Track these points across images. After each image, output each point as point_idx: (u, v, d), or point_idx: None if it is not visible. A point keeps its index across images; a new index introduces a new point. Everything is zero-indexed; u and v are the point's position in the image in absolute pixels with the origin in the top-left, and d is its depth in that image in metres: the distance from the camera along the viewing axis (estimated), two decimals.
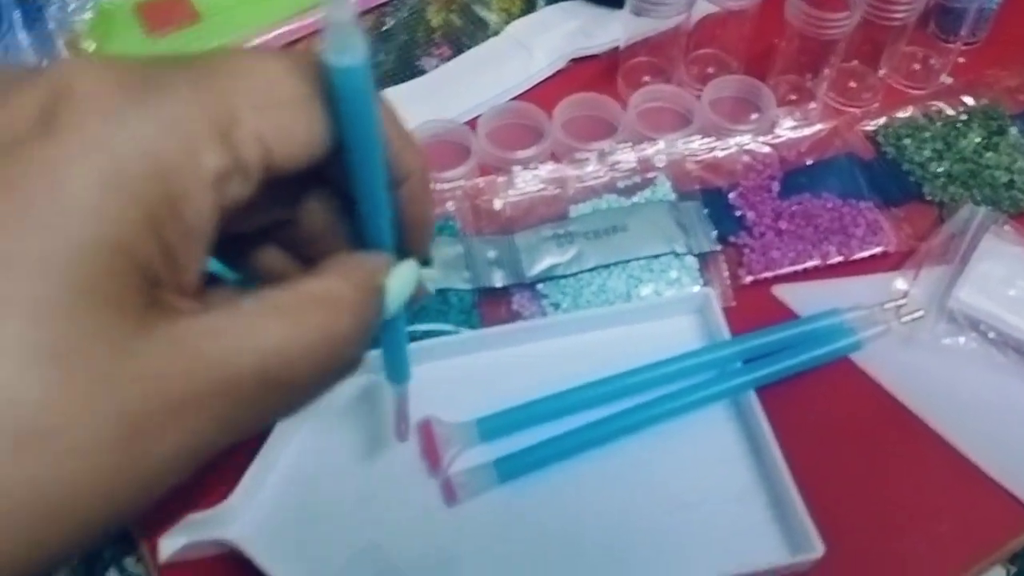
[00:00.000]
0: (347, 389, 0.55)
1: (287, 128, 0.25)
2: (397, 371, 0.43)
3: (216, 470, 0.53)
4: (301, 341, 0.26)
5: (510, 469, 0.53)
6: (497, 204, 0.65)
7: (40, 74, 0.23)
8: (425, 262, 0.34)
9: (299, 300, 0.26)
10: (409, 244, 0.33)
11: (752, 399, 0.54)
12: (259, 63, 0.25)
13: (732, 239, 0.63)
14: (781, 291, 0.61)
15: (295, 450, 0.54)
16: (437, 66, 0.76)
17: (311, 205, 0.32)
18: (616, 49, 0.74)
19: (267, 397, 0.25)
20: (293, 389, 0.26)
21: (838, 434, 0.56)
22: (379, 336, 0.36)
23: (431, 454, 0.54)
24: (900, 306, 0.58)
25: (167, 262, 0.24)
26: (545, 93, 0.72)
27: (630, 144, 0.67)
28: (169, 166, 0.23)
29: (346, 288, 0.28)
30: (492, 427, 0.55)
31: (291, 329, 0.25)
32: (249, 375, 0.24)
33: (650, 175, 0.65)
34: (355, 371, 0.30)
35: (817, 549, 0.49)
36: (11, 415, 0.20)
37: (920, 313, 0.58)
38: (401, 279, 0.31)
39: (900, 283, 0.60)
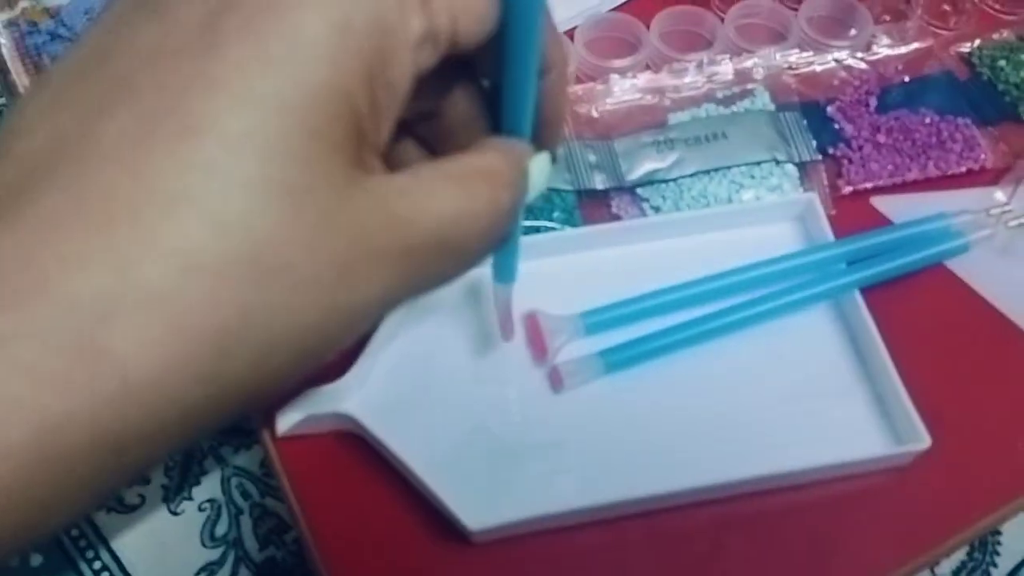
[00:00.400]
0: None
1: (470, 2, 0.26)
2: (505, 270, 0.44)
3: None
4: (472, 209, 0.27)
5: (616, 360, 0.54)
6: (595, 112, 0.66)
7: None
8: (553, 158, 0.35)
9: (467, 172, 0.28)
10: (542, 138, 0.34)
11: (856, 298, 0.55)
12: None
13: (831, 150, 0.64)
14: (880, 202, 0.62)
15: (409, 333, 0.55)
16: None
17: (456, 95, 0.33)
18: None
19: (440, 260, 0.27)
20: (461, 254, 0.28)
21: (938, 338, 0.56)
22: None
23: (537, 345, 0.55)
24: (1005, 211, 0.58)
25: (373, 117, 0.25)
26: (642, 6, 0.72)
27: (728, 56, 0.67)
28: (387, 24, 0.24)
29: (505, 165, 0.29)
30: (597, 321, 0.56)
31: (463, 197, 0.27)
32: (428, 236, 0.26)
33: (748, 86, 0.66)
34: (502, 246, 0.32)
35: (923, 440, 0.50)
36: (250, 244, 0.21)
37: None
38: (540, 167, 0.32)
39: (999, 195, 0.61)
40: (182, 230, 0.21)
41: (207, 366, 0.21)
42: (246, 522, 0.68)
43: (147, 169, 0.21)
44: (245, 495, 0.69)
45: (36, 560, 0.69)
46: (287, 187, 0.22)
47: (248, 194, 0.21)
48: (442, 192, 0.26)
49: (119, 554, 0.68)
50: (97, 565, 0.69)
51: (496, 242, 0.29)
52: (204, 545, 0.68)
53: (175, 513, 0.70)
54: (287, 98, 0.22)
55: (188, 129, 0.21)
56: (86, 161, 0.21)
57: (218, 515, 0.69)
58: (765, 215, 0.60)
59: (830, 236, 0.57)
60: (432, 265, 0.26)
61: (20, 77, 0.70)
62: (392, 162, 0.34)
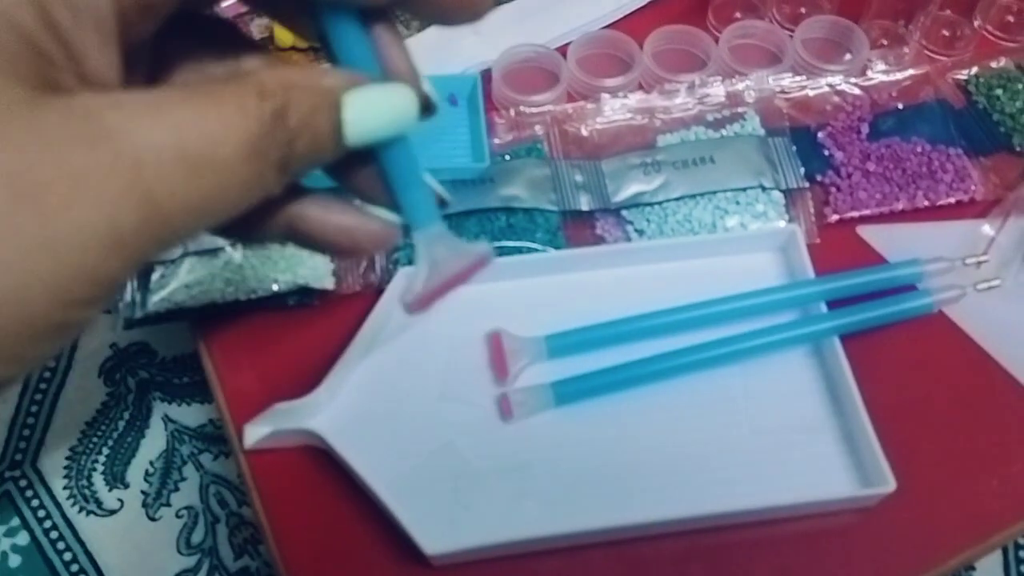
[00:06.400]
0: None
1: None
2: (418, 212, 0.32)
3: (302, 367, 0.54)
4: (224, 130, 0.23)
5: (566, 393, 0.54)
6: (584, 131, 0.65)
7: None
8: (427, 107, 0.30)
9: (224, 75, 0.25)
10: (391, 69, 0.29)
11: (834, 344, 0.54)
12: None
13: (819, 178, 0.63)
14: (866, 232, 0.61)
15: (380, 352, 0.55)
16: None
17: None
18: None
19: (190, 176, 0.23)
20: (219, 170, 0.23)
21: (913, 374, 0.56)
22: (386, 172, 0.31)
23: (499, 365, 0.55)
24: (981, 263, 0.57)
25: (59, 44, 0.22)
26: (635, 24, 0.72)
27: (720, 78, 0.67)
28: None
29: (272, 79, 0.24)
30: (561, 345, 0.55)
31: (211, 112, 0.23)
32: (158, 147, 0.22)
33: (739, 110, 0.65)
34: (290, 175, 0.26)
35: (889, 483, 0.49)
36: None
37: (997, 282, 0.57)
38: (371, 100, 0.27)
39: (986, 230, 0.60)
40: None
41: None
42: (222, 531, 0.68)
43: None
44: (222, 503, 0.69)
45: (15, 561, 0.70)
46: None
47: None
48: (173, 102, 0.23)
49: (96, 558, 0.69)
50: (75, 568, 0.69)
51: (275, 158, 0.24)
52: (180, 552, 0.68)
53: (153, 519, 0.70)
54: None
55: None
56: None
57: (195, 523, 0.69)
58: (747, 244, 0.59)
59: (810, 271, 0.57)
60: (180, 182, 0.22)
61: None
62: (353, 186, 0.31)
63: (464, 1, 0.27)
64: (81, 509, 0.70)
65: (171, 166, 0.22)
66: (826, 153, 0.64)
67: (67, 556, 0.69)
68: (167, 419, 0.74)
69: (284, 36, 0.69)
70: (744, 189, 0.61)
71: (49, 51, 0.22)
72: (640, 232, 0.61)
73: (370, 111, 0.26)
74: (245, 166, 0.23)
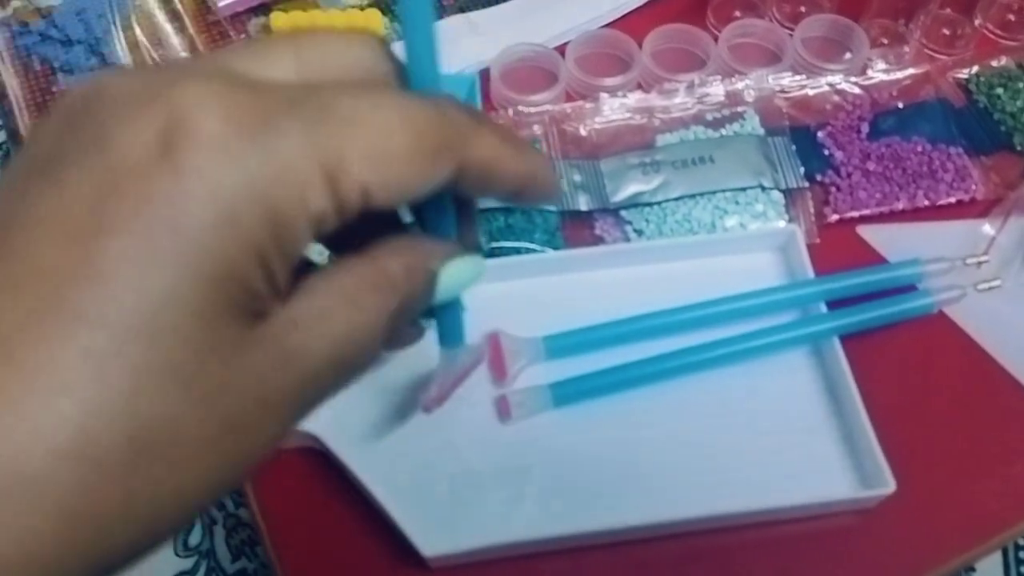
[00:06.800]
0: None
1: (392, 180, 0.26)
2: (451, 334, 0.40)
3: None
4: (363, 322, 0.27)
5: (564, 395, 0.54)
6: (583, 130, 0.65)
7: (159, 95, 0.23)
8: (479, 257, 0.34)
9: (359, 285, 0.27)
10: (466, 237, 0.33)
11: (834, 344, 0.54)
12: (376, 112, 0.25)
13: (819, 177, 0.63)
14: (866, 232, 0.61)
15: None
16: None
17: None
18: None
19: (336, 377, 0.27)
20: (356, 366, 0.27)
21: (913, 374, 0.56)
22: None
23: (498, 366, 0.54)
24: (981, 263, 0.57)
25: (267, 283, 0.25)
26: (634, 23, 0.72)
27: (719, 77, 0.66)
28: (279, 211, 0.24)
29: (400, 269, 0.28)
30: (559, 345, 0.55)
31: (354, 313, 0.26)
32: (323, 361, 0.26)
33: (739, 109, 0.65)
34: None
35: (888, 485, 0.49)
36: (132, 430, 0.22)
37: (997, 283, 0.57)
38: (458, 269, 0.31)
39: (987, 229, 0.60)
40: (60, 420, 0.21)
41: (88, 545, 0.22)
42: (219, 532, 0.68)
43: (30, 360, 0.21)
44: (219, 505, 0.69)
45: None
46: (172, 370, 0.22)
47: (132, 381, 0.22)
48: (334, 312, 0.26)
49: None
50: None
51: (387, 340, 0.29)
52: (177, 554, 0.68)
53: None
54: (173, 291, 0.22)
55: (74, 319, 0.22)
56: None
57: (192, 524, 0.69)
58: (746, 245, 0.59)
59: (810, 272, 0.56)
60: (328, 384, 0.27)
61: (10, 78, 0.70)
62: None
63: (527, 183, 0.30)
64: None
65: (327, 374, 0.26)
66: (826, 153, 0.64)
67: None
68: None
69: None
70: (744, 189, 0.61)
71: (261, 292, 0.24)
72: (639, 232, 0.60)
73: (457, 277, 0.31)
74: (377, 351, 0.28)
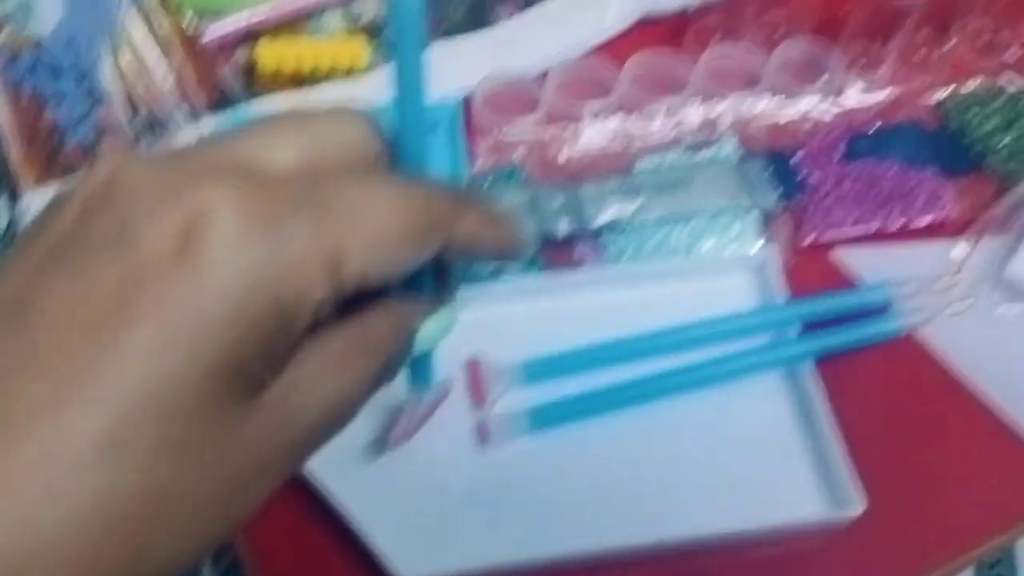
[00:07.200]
0: None
1: (388, 262, 0.28)
2: (420, 378, 0.44)
3: None
4: (352, 381, 0.29)
5: (543, 419, 0.55)
6: (563, 156, 0.66)
7: (179, 193, 0.25)
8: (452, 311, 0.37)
9: (349, 348, 0.29)
10: (443, 293, 0.35)
11: (807, 367, 0.55)
12: (373, 202, 0.27)
13: (795, 199, 0.64)
14: (841, 254, 0.62)
15: None
16: (509, 17, 0.77)
17: None
18: (686, 11, 0.75)
19: (327, 434, 0.29)
20: (344, 422, 0.30)
21: (883, 396, 0.57)
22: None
23: (477, 392, 0.55)
24: (953, 284, 0.58)
25: (270, 363, 0.27)
26: (615, 50, 0.73)
27: (698, 99, 0.67)
28: (286, 303, 0.25)
29: (386, 329, 0.30)
30: (538, 371, 0.56)
31: (345, 375, 0.29)
32: (316, 423, 0.28)
33: (716, 133, 0.66)
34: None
35: (857, 505, 0.50)
36: (139, 501, 0.24)
37: (969, 303, 0.58)
38: (436, 324, 0.34)
39: (960, 250, 0.61)
40: (71, 496, 0.23)
41: None
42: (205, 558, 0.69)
43: (50, 441, 0.23)
44: None
45: None
46: (183, 446, 0.24)
47: (147, 459, 0.24)
48: (327, 375, 0.28)
49: None
50: None
51: (375, 392, 0.31)
52: None
53: None
54: (185, 376, 0.24)
55: (96, 402, 0.23)
56: None
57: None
58: (722, 268, 0.60)
59: (783, 295, 0.58)
60: (319, 439, 0.29)
61: (1, 107, 0.71)
62: None
63: (503, 250, 0.32)
64: None
65: (318, 431, 0.28)
66: (801, 175, 0.65)
67: None
68: None
69: (267, 63, 0.69)
70: (720, 212, 0.62)
71: (264, 370, 0.26)
72: (618, 256, 0.62)
73: (434, 331, 0.33)
74: (362, 406, 0.30)
